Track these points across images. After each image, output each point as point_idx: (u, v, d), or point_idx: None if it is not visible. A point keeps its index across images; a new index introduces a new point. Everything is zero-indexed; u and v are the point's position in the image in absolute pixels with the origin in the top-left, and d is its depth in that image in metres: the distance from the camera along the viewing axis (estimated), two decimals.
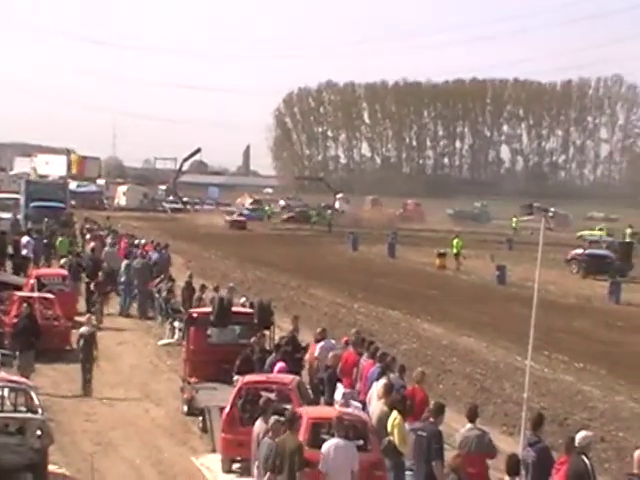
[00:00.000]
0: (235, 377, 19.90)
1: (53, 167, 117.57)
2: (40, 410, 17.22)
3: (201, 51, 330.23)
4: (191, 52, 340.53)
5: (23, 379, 19.43)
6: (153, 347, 29.86)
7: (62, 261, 38.72)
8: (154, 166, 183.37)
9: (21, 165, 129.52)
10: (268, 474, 14.34)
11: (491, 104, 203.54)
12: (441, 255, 57.49)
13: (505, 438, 19.98)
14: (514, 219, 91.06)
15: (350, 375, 19.94)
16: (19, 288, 31.23)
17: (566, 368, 28.55)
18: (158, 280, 34.09)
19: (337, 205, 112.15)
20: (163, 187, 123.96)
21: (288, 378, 18.66)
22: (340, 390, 19.60)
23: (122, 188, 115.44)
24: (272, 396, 17.47)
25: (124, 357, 28.43)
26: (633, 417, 23.22)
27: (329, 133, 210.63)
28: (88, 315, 27.85)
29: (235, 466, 18.13)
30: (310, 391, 20.43)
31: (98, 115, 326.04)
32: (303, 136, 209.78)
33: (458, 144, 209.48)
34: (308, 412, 16.36)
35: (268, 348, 21.88)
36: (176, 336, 29.83)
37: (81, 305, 34.21)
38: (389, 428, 15.84)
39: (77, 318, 30.39)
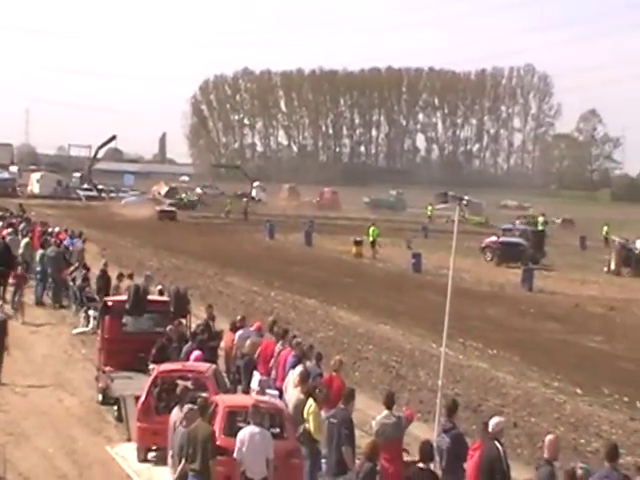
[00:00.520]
0: (151, 366, 19.78)
1: None
2: None
3: (117, 38, 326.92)
4: (107, 38, 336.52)
5: None
6: (67, 336, 29.47)
7: None
8: (68, 153, 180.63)
9: None
10: (182, 463, 14.29)
11: (407, 93, 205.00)
12: (357, 243, 57.73)
13: (420, 425, 20.11)
14: (429, 207, 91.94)
15: (267, 363, 19.93)
16: None
17: (480, 355, 28.89)
18: (73, 268, 33.68)
19: (254, 193, 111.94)
20: (78, 174, 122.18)
21: (204, 366, 18.59)
22: (257, 378, 19.61)
23: (35, 175, 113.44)
24: (188, 384, 17.40)
25: (37, 346, 28.00)
26: (545, 403, 23.58)
27: (245, 121, 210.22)
28: (0, 303, 27.42)
29: (151, 455, 18.03)
30: (227, 379, 20.40)
31: (10, 101, 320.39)
32: (219, 124, 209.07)
33: (374, 132, 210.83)
34: (224, 400, 16.32)
35: (184, 336, 21.77)
36: (91, 325, 29.50)
37: None
38: (305, 416, 15.88)
39: None
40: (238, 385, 20.53)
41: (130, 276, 28.90)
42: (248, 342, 20.81)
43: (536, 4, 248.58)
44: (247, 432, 14.62)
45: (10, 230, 41.35)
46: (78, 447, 18.88)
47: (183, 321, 23.27)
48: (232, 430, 15.83)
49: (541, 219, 72.19)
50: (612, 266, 54.78)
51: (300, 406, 16.23)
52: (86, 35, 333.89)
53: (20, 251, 37.04)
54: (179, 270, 45.59)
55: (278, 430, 15.70)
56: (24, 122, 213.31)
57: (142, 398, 18.11)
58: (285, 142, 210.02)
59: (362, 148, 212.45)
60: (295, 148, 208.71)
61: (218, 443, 14.81)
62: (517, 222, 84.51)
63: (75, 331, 29.90)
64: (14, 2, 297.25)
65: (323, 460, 15.36)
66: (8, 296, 33.24)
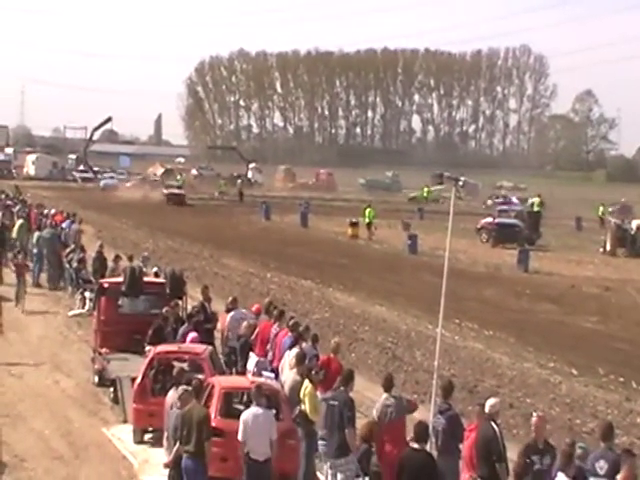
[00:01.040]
0: (147, 347, 19.78)
1: None
2: None
3: (113, 18, 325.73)
4: (103, 19, 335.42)
5: None
6: (63, 318, 29.49)
7: None
8: (64, 135, 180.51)
9: None
10: (177, 444, 14.30)
11: (402, 74, 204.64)
12: (353, 224, 57.69)
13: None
14: (425, 188, 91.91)
15: (265, 344, 19.92)
16: None
17: (476, 336, 28.92)
18: (69, 250, 33.66)
19: (249, 175, 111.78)
20: (73, 156, 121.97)
21: (200, 348, 18.60)
22: (253, 359, 19.62)
23: (31, 157, 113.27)
24: (184, 366, 17.40)
25: (33, 328, 28.03)
26: (540, 383, 23.62)
27: (241, 102, 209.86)
28: None
29: (147, 436, 18.06)
30: (222, 361, 20.41)
31: (5, 82, 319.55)
32: (215, 105, 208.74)
33: (370, 114, 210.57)
34: (220, 382, 16.33)
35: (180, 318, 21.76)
36: (87, 306, 29.51)
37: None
38: (301, 397, 15.89)
39: None
40: (233, 367, 20.48)
41: (130, 258, 28.83)
42: (245, 323, 20.79)
43: None
44: (250, 413, 14.61)
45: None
46: (74, 429, 18.90)
47: (179, 302, 23.27)
48: (228, 411, 15.87)
49: (537, 200, 72.12)
50: (607, 247, 54.79)
51: (296, 387, 16.24)
52: (82, 16, 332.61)
53: (14, 235, 37.08)
54: (175, 252, 45.57)
55: (274, 411, 15.70)
56: (19, 103, 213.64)
57: (138, 380, 18.12)
58: (281, 123, 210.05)
59: (358, 129, 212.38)
60: (291, 129, 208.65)
61: (214, 424, 14.85)
62: (489, 202, 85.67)
63: (71, 313, 29.91)
64: None
65: (319, 441, 15.38)
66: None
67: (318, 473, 15.92)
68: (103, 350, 22.03)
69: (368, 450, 14.16)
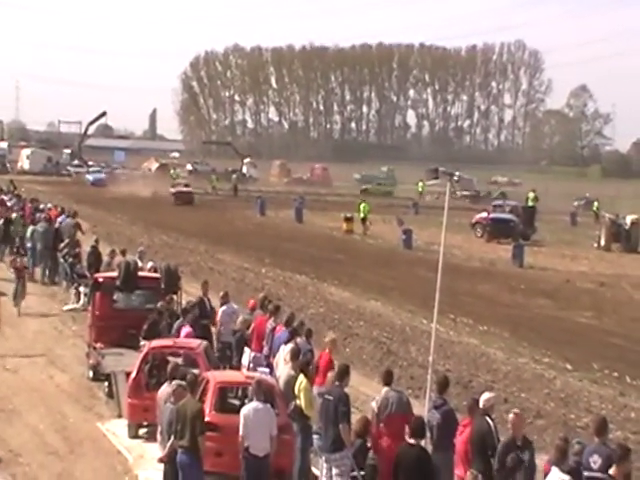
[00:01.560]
0: (142, 342, 19.77)
1: None
2: None
3: (107, 14, 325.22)
4: (97, 14, 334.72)
5: None
6: (58, 312, 29.47)
7: None
8: (58, 129, 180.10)
9: None
10: (171, 439, 14.29)
11: (397, 69, 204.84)
12: (348, 220, 57.70)
13: (411, 401, 20.14)
14: (420, 183, 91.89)
15: (260, 339, 19.91)
16: None
17: (471, 331, 28.93)
18: (63, 245, 33.62)
19: (244, 170, 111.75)
20: (68, 151, 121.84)
21: (195, 342, 18.59)
22: (247, 354, 19.62)
23: (26, 151, 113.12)
24: (179, 361, 17.40)
25: (28, 323, 28.00)
26: (535, 378, 23.64)
27: (236, 97, 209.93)
28: None
29: (141, 431, 18.05)
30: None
31: (0, 78, 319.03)
32: (210, 100, 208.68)
33: (365, 109, 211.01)
34: (215, 376, 16.32)
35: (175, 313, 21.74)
36: (81, 301, 29.50)
37: None
38: (296, 392, 15.90)
39: None
40: (227, 362, 20.45)
41: (123, 252, 28.82)
42: (240, 318, 20.81)
43: None
44: (251, 408, 14.60)
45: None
46: (69, 423, 18.90)
47: (174, 297, 23.26)
48: (223, 406, 15.88)
49: (531, 195, 72.21)
50: (602, 242, 54.89)
51: (291, 382, 16.24)
52: (76, 11, 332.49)
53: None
54: (170, 247, 45.53)
55: (269, 406, 15.70)
56: (14, 98, 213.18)
57: (133, 374, 18.10)
58: (276, 118, 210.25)
59: (353, 124, 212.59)
60: (286, 124, 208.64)
61: (209, 419, 14.84)
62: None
63: (66, 307, 29.88)
64: None
65: (314, 436, 15.39)
66: None
67: (313, 468, 15.94)
68: (98, 345, 22.01)
69: (363, 445, 14.16)
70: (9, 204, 44.77)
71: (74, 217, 38.75)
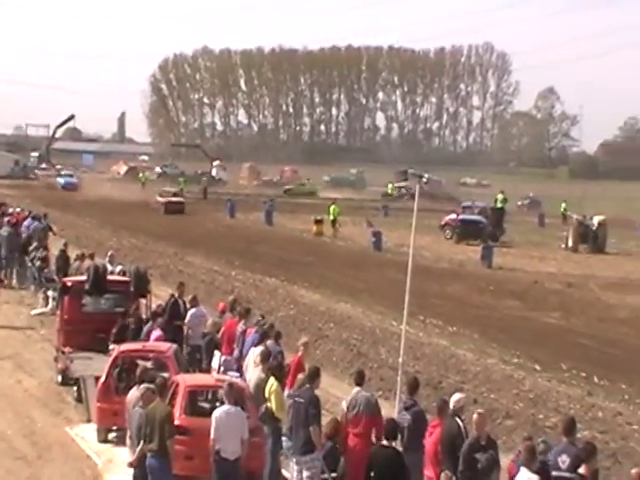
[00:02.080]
0: (111, 346, 19.69)
1: None
2: None
3: (75, 16, 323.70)
4: (65, 17, 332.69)
5: None
6: (26, 317, 29.30)
7: None
8: (26, 132, 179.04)
9: None
10: (141, 443, 14.24)
11: (366, 71, 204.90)
12: (318, 222, 57.75)
13: (381, 402, 20.06)
14: (390, 185, 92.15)
15: (231, 342, 19.88)
16: None
17: (440, 332, 29.01)
18: (31, 248, 33.42)
19: (214, 172, 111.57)
20: (35, 154, 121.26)
21: (165, 346, 18.55)
22: (217, 358, 19.59)
23: None
24: (148, 364, 17.34)
25: None
26: (504, 379, 23.73)
27: (205, 100, 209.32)
28: None
29: (111, 435, 17.99)
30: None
31: None
32: (179, 103, 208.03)
33: (334, 111, 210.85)
34: (185, 380, 16.29)
35: (145, 317, 21.67)
36: (50, 305, 29.34)
37: None
38: (266, 394, 15.89)
39: None
40: (196, 365, 20.38)
41: (91, 256, 28.68)
42: (210, 321, 20.78)
43: None
44: (223, 411, 14.58)
45: None
46: (37, 428, 18.80)
47: (143, 301, 23.19)
48: (193, 410, 15.84)
49: (500, 196, 72.51)
50: (569, 243, 55.18)
51: (261, 385, 16.24)
52: (43, 14, 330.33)
53: None
54: (139, 250, 45.40)
55: (240, 409, 15.68)
56: None
57: (102, 379, 18.03)
58: (245, 121, 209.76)
59: (322, 127, 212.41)
60: (255, 127, 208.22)
61: (179, 423, 14.81)
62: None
63: (34, 312, 29.72)
64: None
65: (284, 439, 15.38)
66: None
67: (283, 470, 15.93)
68: (66, 349, 21.89)
69: (333, 447, 14.18)
70: None
71: (44, 219, 38.58)
